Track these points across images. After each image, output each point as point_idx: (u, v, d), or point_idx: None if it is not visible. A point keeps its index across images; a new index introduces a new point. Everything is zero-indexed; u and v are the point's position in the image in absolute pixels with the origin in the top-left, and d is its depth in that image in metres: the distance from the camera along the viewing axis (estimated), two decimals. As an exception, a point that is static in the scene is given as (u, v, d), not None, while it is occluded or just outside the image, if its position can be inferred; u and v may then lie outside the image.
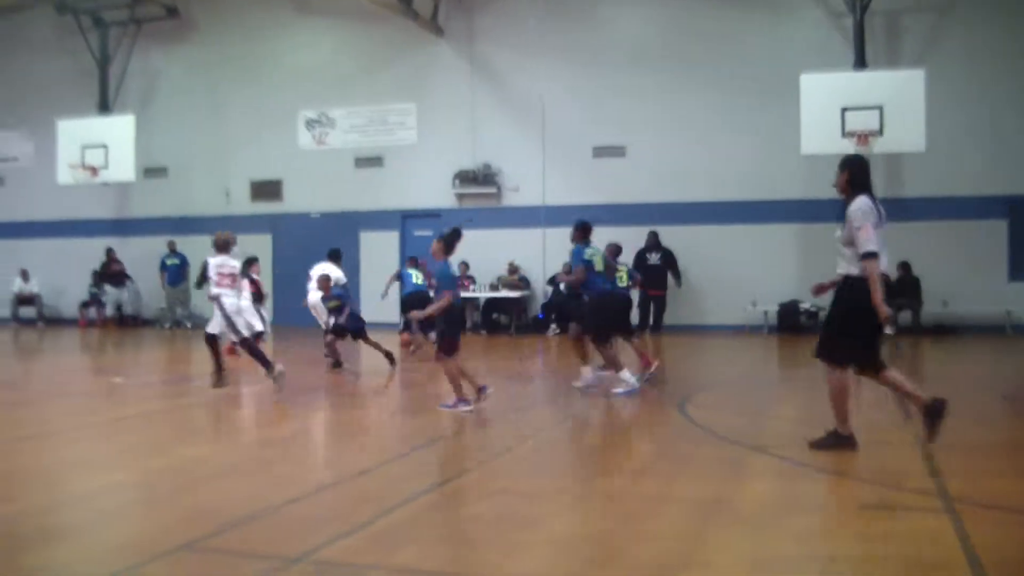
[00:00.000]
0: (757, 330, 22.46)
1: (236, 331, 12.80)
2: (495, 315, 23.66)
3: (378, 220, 25.02)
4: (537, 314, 23.54)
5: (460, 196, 24.55)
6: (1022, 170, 21.69)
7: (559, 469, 8.20)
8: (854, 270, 7.97)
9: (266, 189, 26.33)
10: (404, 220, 25.03)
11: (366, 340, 15.84)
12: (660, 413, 11.13)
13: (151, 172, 27.12)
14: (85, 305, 27.40)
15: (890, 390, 8.54)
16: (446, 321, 11.00)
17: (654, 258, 22.82)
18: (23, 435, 9.82)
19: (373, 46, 25.51)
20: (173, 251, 26.03)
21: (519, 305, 23.49)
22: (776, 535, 5.88)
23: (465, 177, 24.37)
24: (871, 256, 7.79)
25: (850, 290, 8.02)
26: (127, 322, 27.10)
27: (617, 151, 23.54)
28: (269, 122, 26.32)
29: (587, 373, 12.91)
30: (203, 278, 12.87)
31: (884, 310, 7.83)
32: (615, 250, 14.34)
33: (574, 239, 12.86)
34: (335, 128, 25.85)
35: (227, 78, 26.89)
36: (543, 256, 23.66)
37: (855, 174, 8.21)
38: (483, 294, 23.67)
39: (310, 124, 26.16)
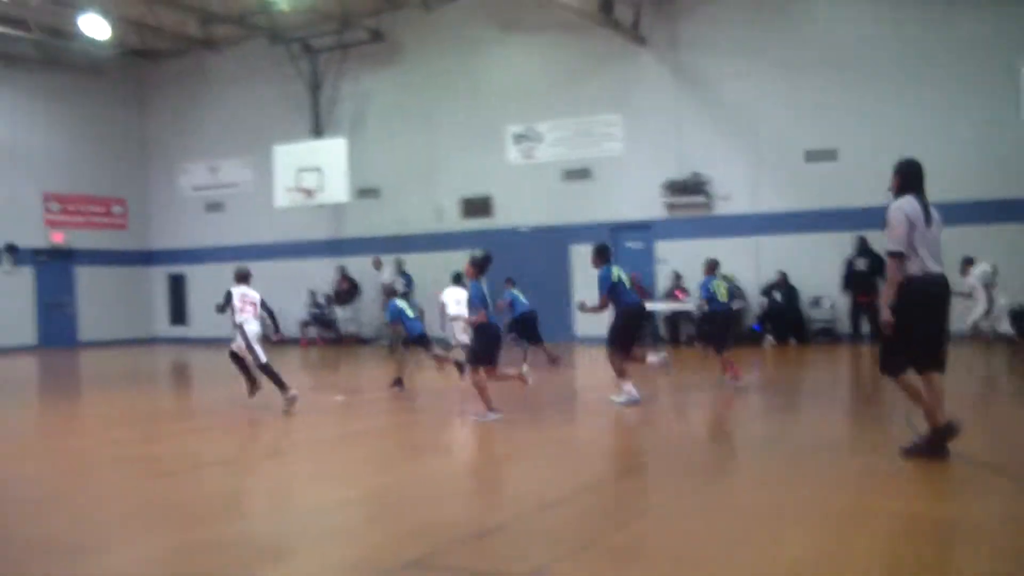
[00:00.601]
0: (976, 337, 21.48)
1: (256, 356, 13.72)
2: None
3: (588, 233, 25.01)
4: (753, 325, 23.14)
5: (669, 206, 24.39)
6: None
7: (784, 488, 7.77)
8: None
9: (476, 205, 26.74)
10: (613, 232, 25.00)
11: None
12: (886, 429, 10.69)
13: (364, 193, 28.03)
14: (305, 324, 28.36)
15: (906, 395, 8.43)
16: (479, 337, 11.89)
17: (861, 264, 22.16)
18: (255, 454, 10.50)
19: (576, 58, 25.67)
20: (400, 271, 26.58)
21: (736, 317, 23.05)
22: (987, 555, 5.67)
23: (674, 187, 24.20)
24: (892, 255, 8.08)
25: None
26: (345, 341, 27.89)
27: (828, 155, 22.98)
28: (477, 138, 26.79)
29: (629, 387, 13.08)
30: (226, 305, 13.74)
31: (885, 313, 8.12)
32: (712, 265, 15.62)
33: (594, 263, 13.50)
34: (542, 142, 26.07)
35: (434, 97, 27.52)
36: (756, 265, 23.31)
37: (905, 177, 8.39)
38: (698, 305, 23.34)
39: (518, 139, 26.46)
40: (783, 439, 10.39)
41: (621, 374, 13.09)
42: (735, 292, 22.86)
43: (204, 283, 30.62)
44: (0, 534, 6.82)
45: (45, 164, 30.68)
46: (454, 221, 27.08)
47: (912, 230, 8.05)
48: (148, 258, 32.92)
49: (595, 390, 15.78)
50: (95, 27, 26.61)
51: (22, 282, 29.46)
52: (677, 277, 23.53)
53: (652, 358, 13.60)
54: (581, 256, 25.02)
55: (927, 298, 8.12)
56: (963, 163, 21.61)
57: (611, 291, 13.20)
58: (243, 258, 28.13)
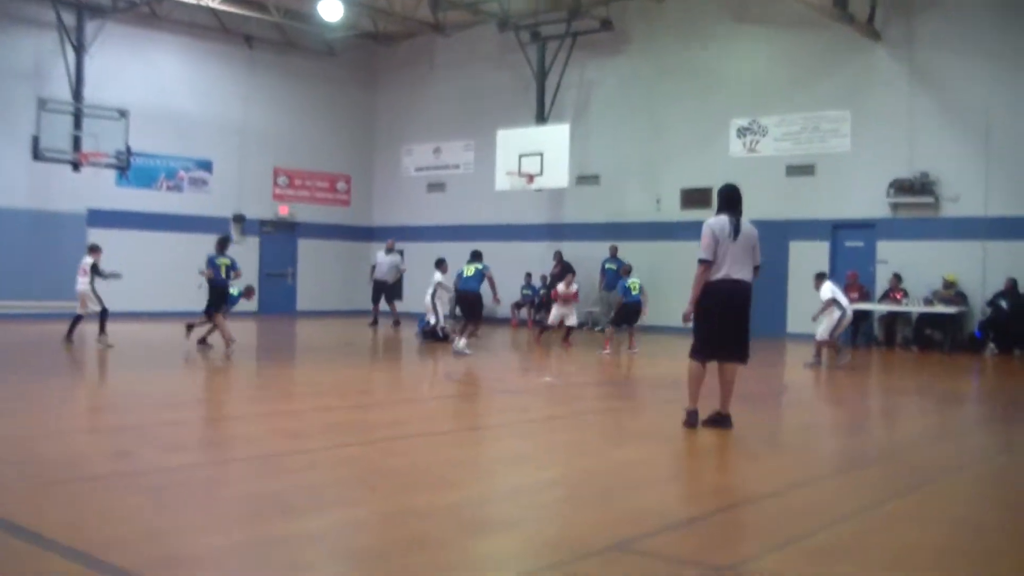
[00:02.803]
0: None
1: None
2: (928, 331, 23.23)
3: (808, 229, 25.20)
4: (974, 332, 22.87)
5: (895, 206, 24.32)
6: None
7: (998, 502, 7.79)
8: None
9: (696, 197, 27.13)
10: (835, 230, 25.05)
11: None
12: None
13: (584, 179, 28.89)
14: (518, 306, 29.27)
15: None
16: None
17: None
18: (463, 427, 11.20)
19: (807, 53, 25.87)
20: (614, 256, 27.20)
21: (954, 322, 22.90)
22: None
23: (900, 186, 24.11)
24: (700, 262, 10.04)
25: None
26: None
27: (1066, 159, 22.58)
28: (701, 130, 27.26)
29: None
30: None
31: (688, 308, 10.23)
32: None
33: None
34: (766, 136, 26.33)
35: (659, 87, 28.20)
36: (983, 270, 23.04)
37: (720, 199, 10.47)
38: (916, 308, 23.28)
39: (741, 132, 26.77)
40: (999, 451, 10.52)
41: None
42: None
43: (420, 260, 31.89)
44: (217, 490, 7.33)
45: (277, 140, 32.66)
46: (672, 211, 27.55)
47: (716, 243, 9.92)
48: (368, 234, 34.48)
49: (801, 387, 16.11)
50: (330, 10, 28.06)
51: (248, 251, 31.13)
52: (898, 278, 23.43)
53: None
54: (800, 252, 25.24)
55: (720, 299, 9.98)
56: None
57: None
58: (461, 238, 29.66)
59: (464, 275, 19.80)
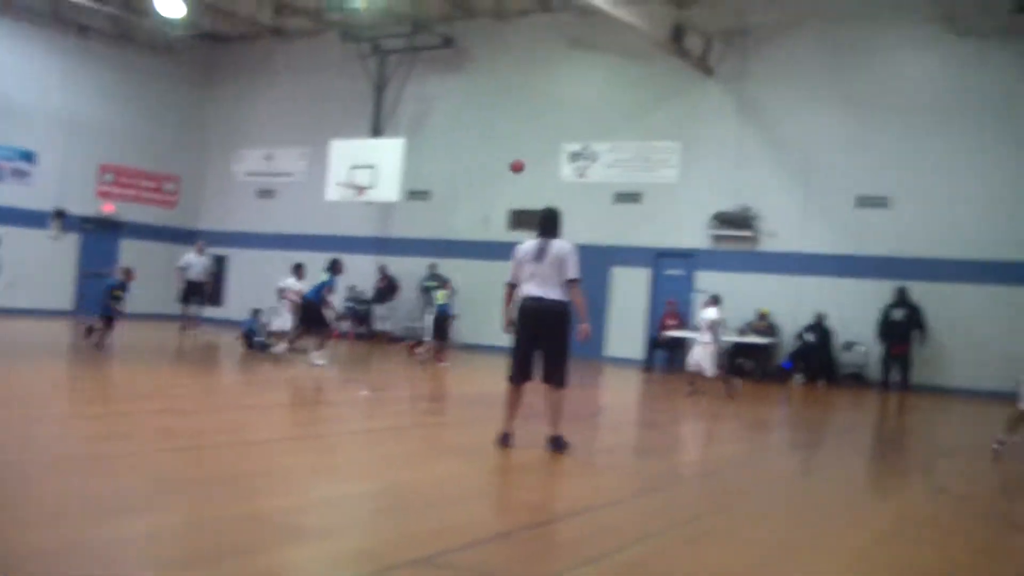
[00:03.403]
0: (1011, 397, 21.63)
1: None
2: (740, 360, 23.73)
3: (631, 256, 25.55)
4: (783, 362, 23.47)
5: (716, 238, 24.88)
6: None
7: (797, 523, 7.99)
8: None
9: (524, 218, 27.23)
10: (657, 258, 25.47)
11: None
12: (903, 476, 11.20)
13: (415, 195, 28.79)
14: (340, 318, 28.97)
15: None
16: None
17: (898, 314, 22.61)
18: (281, 436, 10.86)
19: (641, 83, 26.42)
20: (435, 274, 27.16)
21: (765, 352, 23.50)
22: None
23: (723, 219, 24.71)
24: (506, 284, 10.35)
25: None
26: (378, 338, 28.45)
27: (880, 202, 23.43)
28: (533, 153, 27.19)
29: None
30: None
31: (503, 326, 10.43)
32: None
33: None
34: (597, 162, 26.69)
35: (496, 107, 28.38)
36: (795, 304, 23.71)
37: (538, 222, 10.47)
38: (730, 338, 23.72)
39: (573, 157, 27.08)
40: (800, 475, 10.85)
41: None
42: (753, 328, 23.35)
43: (246, 267, 31.48)
44: (24, 491, 6.98)
45: (105, 135, 31.71)
46: (501, 231, 27.66)
47: (520, 266, 10.11)
48: (194, 237, 33.72)
49: (615, 410, 16.30)
50: (170, 6, 27.53)
51: (66, 248, 30.23)
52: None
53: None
54: (621, 278, 25.57)
55: (525, 319, 10.01)
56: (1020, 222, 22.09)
57: None
58: (288, 246, 29.24)
59: (314, 284, 19.71)
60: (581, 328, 9.99)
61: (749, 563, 6.34)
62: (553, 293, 9.88)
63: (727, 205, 24.85)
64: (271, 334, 21.65)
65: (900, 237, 23.31)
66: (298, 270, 21.78)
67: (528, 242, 10.25)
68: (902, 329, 22.63)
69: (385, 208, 29.24)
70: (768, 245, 24.62)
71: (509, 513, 7.71)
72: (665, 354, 24.74)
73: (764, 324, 23.78)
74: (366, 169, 27.42)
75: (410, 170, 27.64)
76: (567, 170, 27.29)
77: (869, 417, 18.77)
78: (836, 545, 7.08)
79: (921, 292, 22.67)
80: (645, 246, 25.79)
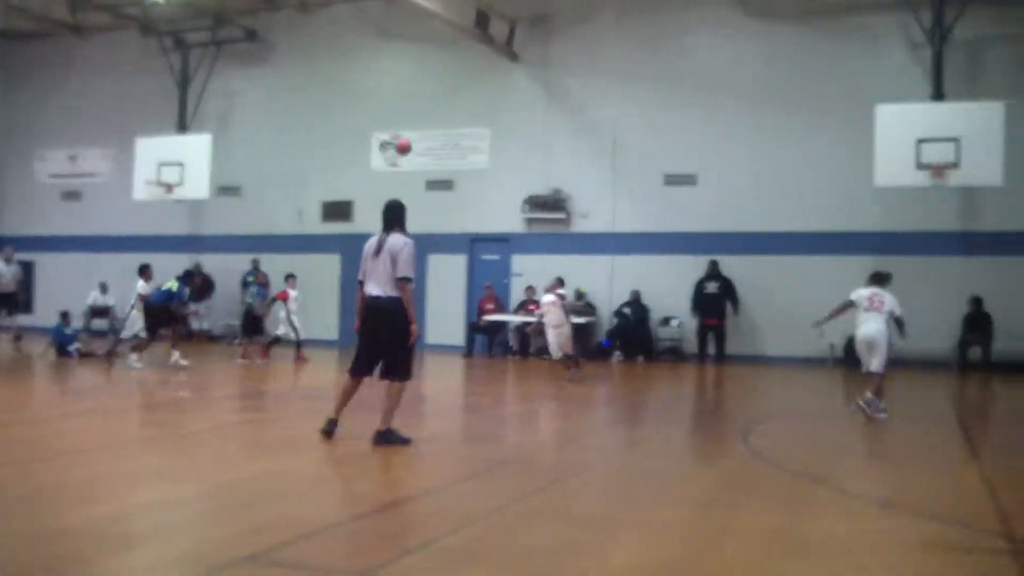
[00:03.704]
0: (822, 363, 22.56)
1: None
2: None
3: (447, 243, 25.55)
4: (602, 341, 23.83)
5: (529, 221, 25.14)
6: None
7: (622, 497, 8.17)
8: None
9: (337, 210, 27.11)
10: (473, 244, 25.55)
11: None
12: (722, 443, 11.50)
13: (225, 191, 28.20)
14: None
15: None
16: None
17: (712, 287, 23.24)
18: (96, 445, 10.29)
19: (449, 71, 26.43)
20: (257, 269, 26.70)
21: (583, 331, 23.76)
22: (840, 572, 5.98)
23: (535, 202, 24.93)
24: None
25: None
26: (195, 337, 27.86)
27: (688, 179, 23.98)
28: (343, 144, 27.25)
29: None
30: None
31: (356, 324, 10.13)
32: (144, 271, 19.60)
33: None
34: (408, 151, 26.48)
35: (303, 100, 28.01)
36: (611, 283, 24.08)
37: (382, 215, 10.20)
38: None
39: (384, 146, 26.92)
40: (623, 450, 10.96)
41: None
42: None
43: (54, 272, 30.43)
44: None
45: None
46: (314, 224, 27.41)
47: (364, 262, 9.95)
48: (-4, 244, 32.53)
49: (438, 397, 16.27)
50: (-40, 4, 26.40)
51: None
52: (531, 291, 24.12)
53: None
54: (439, 265, 25.60)
55: (365, 316, 9.93)
56: (819, 195, 22.88)
57: None
58: (98, 248, 28.43)
59: (161, 288, 18.94)
60: (410, 330, 9.74)
61: (574, 540, 6.41)
62: (384, 290, 9.71)
63: (539, 188, 25.09)
64: (119, 341, 20.95)
65: (708, 213, 23.93)
66: (144, 271, 20.45)
67: (372, 238, 10.06)
68: (716, 302, 23.23)
69: (196, 205, 28.54)
70: (581, 226, 24.96)
71: (336, 505, 7.63)
72: (484, 338, 24.87)
73: (581, 304, 24.05)
74: (174, 167, 26.75)
75: (219, 166, 27.08)
76: (378, 159, 27.12)
77: (688, 389, 19.23)
78: (658, 516, 7.20)
79: (731, 265, 23.31)
80: (460, 232, 25.83)
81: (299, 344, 21.28)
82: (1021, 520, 7.14)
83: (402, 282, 9.68)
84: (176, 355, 18.60)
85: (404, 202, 10.20)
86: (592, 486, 8.65)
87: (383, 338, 9.82)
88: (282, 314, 21.39)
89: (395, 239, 9.86)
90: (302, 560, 5.78)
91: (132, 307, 20.74)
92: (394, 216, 10.09)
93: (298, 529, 6.40)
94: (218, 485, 8.13)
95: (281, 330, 21.38)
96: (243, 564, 5.57)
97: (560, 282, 18.95)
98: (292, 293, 21.56)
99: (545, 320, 18.17)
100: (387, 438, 9.74)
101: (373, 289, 9.77)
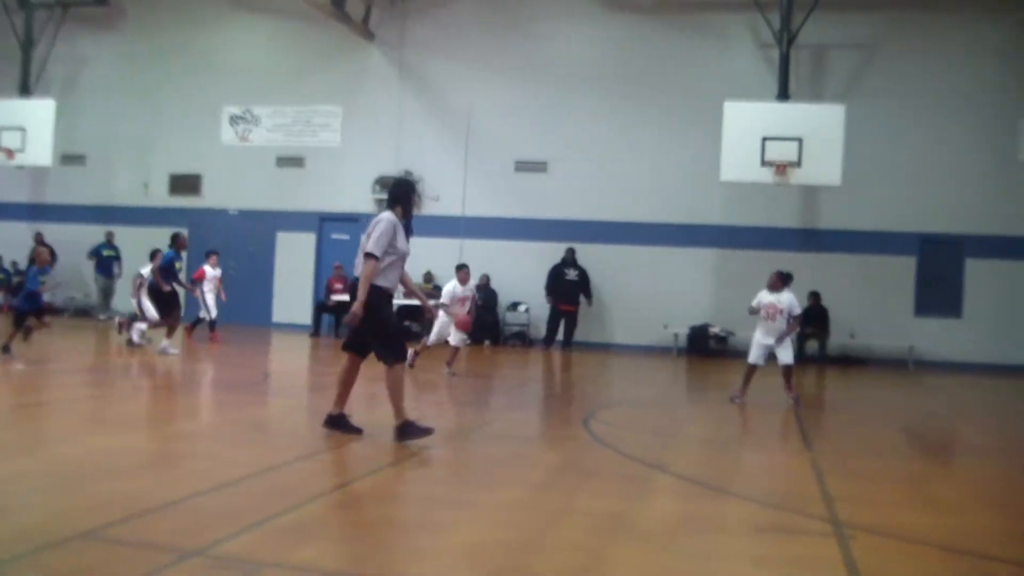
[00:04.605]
0: (667, 351, 22.95)
1: None
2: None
3: (296, 221, 25.19)
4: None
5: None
6: (933, 208, 22.61)
7: (462, 479, 8.27)
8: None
9: (185, 183, 26.50)
10: (322, 223, 25.25)
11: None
12: (565, 428, 11.46)
13: (69, 159, 27.17)
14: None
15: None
16: None
17: (571, 274, 23.33)
18: None
19: (303, 46, 25.89)
20: (110, 242, 25.94)
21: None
22: (672, 553, 6.06)
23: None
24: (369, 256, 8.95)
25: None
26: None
27: (539, 166, 24.03)
28: (192, 116, 26.54)
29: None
30: None
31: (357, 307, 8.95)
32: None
33: None
34: (259, 126, 26.09)
35: (153, 69, 27.09)
36: (459, 267, 24.03)
37: (391, 193, 9.64)
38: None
39: (234, 120, 26.38)
40: (467, 432, 10.80)
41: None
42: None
43: None
44: None
45: None
46: (161, 197, 26.72)
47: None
48: None
49: (285, 375, 16.04)
50: None
51: None
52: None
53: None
54: (287, 243, 25.28)
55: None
56: (668, 188, 23.26)
57: None
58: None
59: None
60: (353, 310, 9.02)
61: (412, 519, 6.52)
62: (358, 270, 9.09)
63: (390, 169, 24.73)
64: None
65: (559, 201, 24.05)
66: (154, 257, 18.65)
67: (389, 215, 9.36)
68: (574, 289, 23.32)
69: (38, 173, 27.48)
70: (432, 209, 24.72)
71: (175, 482, 7.28)
72: (332, 318, 24.62)
73: (429, 287, 23.98)
74: (15, 131, 25.71)
75: (64, 133, 25.95)
76: (228, 133, 26.45)
77: (535, 374, 19.25)
78: (496, 497, 7.24)
79: (581, 253, 23.47)
80: (309, 211, 25.39)
81: (212, 324, 20.52)
82: (845, 504, 7.39)
83: (365, 257, 8.97)
84: (166, 342, 17.18)
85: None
86: (432, 467, 8.64)
87: (364, 320, 9.07)
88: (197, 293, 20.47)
89: (380, 216, 9.28)
90: (140, 537, 5.63)
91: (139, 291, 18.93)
92: (391, 195, 9.61)
93: (134, 506, 6.22)
94: (53, 460, 7.87)
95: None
96: (77, 540, 5.41)
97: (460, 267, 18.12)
98: (209, 272, 20.69)
99: (452, 311, 17.34)
100: (406, 432, 9.19)
101: (356, 269, 9.20)
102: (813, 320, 22.42)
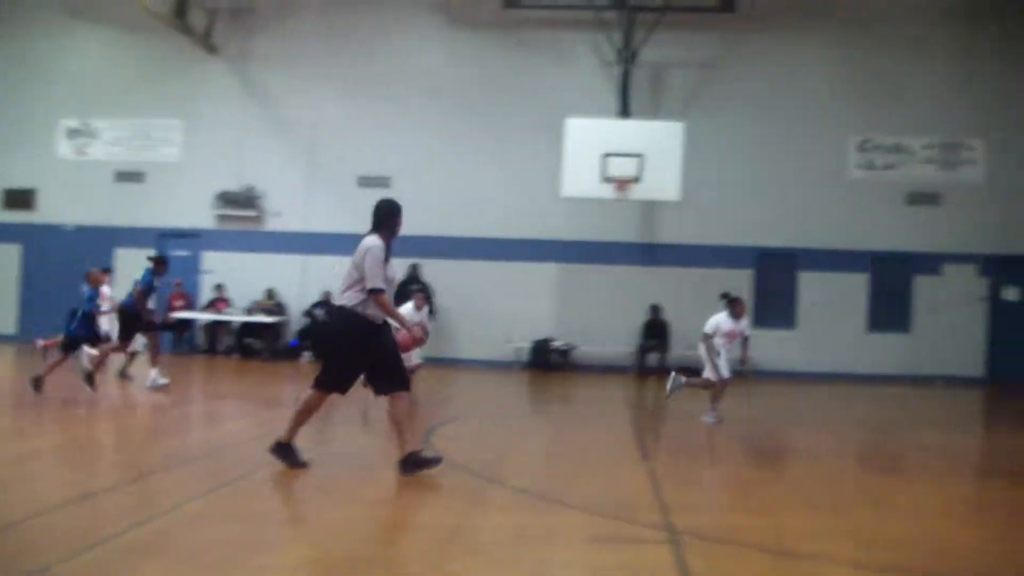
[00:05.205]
0: (510, 366, 23.02)
1: None
2: (248, 340, 23.60)
3: (135, 237, 24.54)
4: (291, 341, 23.54)
5: (221, 218, 24.41)
6: (770, 223, 23.18)
7: (304, 495, 8.27)
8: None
9: (19, 198, 25.59)
10: (160, 239, 24.67)
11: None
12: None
13: None
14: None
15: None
16: None
17: (416, 289, 23.15)
18: None
19: (143, 58, 25.18)
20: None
21: (273, 331, 23.47)
22: (509, 565, 6.18)
23: (227, 199, 24.27)
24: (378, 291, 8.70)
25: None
26: None
27: (383, 181, 23.82)
28: (28, 128, 25.62)
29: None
30: None
31: None
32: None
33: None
34: (97, 139, 25.37)
35: (-16, 79, 26.13)
36: (302, 283, 23.75)
37: (374, 215, 9.52)
38: (238, 318, 23.60)
39: (71, 134, 25.62)
40: (308, 449, 10.51)
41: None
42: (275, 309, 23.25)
43: None
44: None
45: None
46: (-5, 211, 25.88)
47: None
48: None
49: (128, 393, 15.65)
50: None
51: None
52: (221, 289, 23.61)
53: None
54: (126, 259, 24.60)
55: None
56: (512, 203, 23.40)
57: None
58: None
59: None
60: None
61: (254, 536, 6.54)
62: (340, 297, 8.92)
63: (231, 185, 24.29)
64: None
65: (404, 216, 23.88)
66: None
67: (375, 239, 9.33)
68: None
69: None
70: (274, 224, 24.39)
71: (15, 504, 7.18)
72: (173, 336, 24.10)
73: (271, 303, 23.71)
74: None
75: None
76: (65, 147, 25.62)
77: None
78: (337, 513, 7.34)
79: (427, 269, 23.35)
80: (149, 226, 24.60)
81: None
82: (679, 513, 7.64)
83: (374, 295, 8.76)
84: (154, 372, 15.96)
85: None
86: (274, 484, 8.60)
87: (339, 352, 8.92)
88: None
89: (363, 243, 9.17)
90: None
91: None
92: (375, 218, 9.49)
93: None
94: None
95: None
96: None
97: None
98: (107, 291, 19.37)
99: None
100: (413, 464, 8.84)
101: (338, 298, 9.03)
102: (653, 332, 22.76)
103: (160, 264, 15.89)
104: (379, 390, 8.91)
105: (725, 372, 14.28)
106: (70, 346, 14.65)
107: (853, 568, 6.33)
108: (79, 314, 14.80)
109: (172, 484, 8.26)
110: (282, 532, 6.75)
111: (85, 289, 15.18)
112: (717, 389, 14.31)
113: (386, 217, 9.42)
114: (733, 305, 14.34)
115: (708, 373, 14.21)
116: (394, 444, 9.00)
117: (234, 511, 7.31)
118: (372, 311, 8.72)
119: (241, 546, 6.25)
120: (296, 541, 6.49)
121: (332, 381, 8.91)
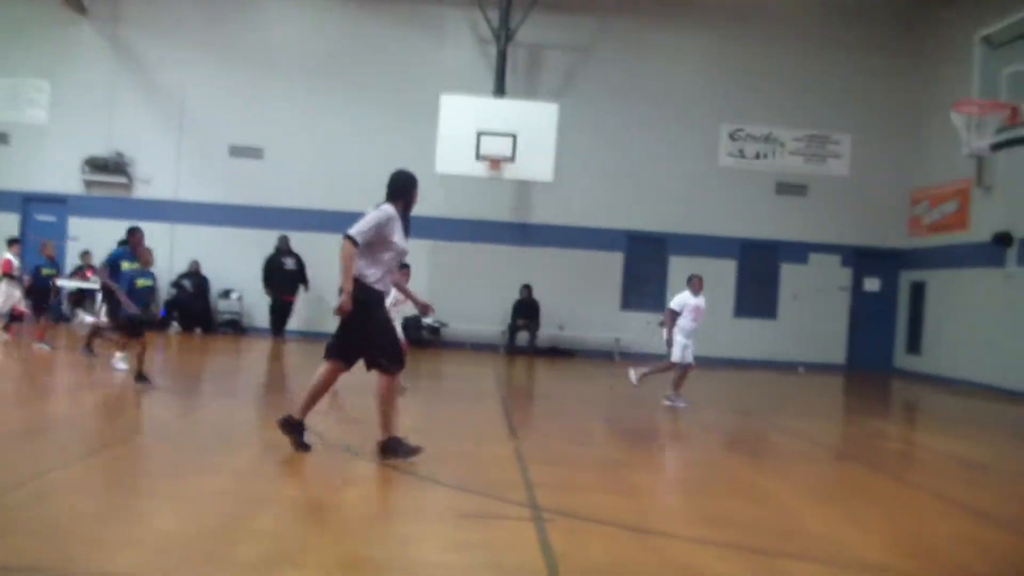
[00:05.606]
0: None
1: None
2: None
3: (-2, 201, 23.89)
4: (159, 311, 23.12)
5: (89, 183, 23.85)
6: (639, 207, 23.45)
7: (167, 467, 8.01)
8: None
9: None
10: (26, 203, 24.04)
11: None
12: (274, 416, 11.19)
13: None
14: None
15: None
16: None
17: (289, 263, 22.97)
18: None
19: (9, 15, 24.27)
20: None
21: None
22: (371, 540, 6.15)
23: (96, 164, 23.71)
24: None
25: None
26: None
27: (255, 152, 23.56)
28: None
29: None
30: None
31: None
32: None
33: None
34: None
35: None
36: (171, 252, 23.30)
37: (389, 185, 9.02)
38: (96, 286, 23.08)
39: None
40: (174, 420, 10.61)
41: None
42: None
43: None
44: None
45: None
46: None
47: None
48: None
49: None
50: None
51: None
52: (88, 256, 23.08)
53: None
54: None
55: None
56: (384, 177, 23.01)
57: None
58: None
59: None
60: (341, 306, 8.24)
61: (116, 507, 6.42)
62: (359, 268, 8.45)
63: (100, 150, 23.72)
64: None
65: (275, 188, 23.65)
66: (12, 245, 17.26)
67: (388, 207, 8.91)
68: (293, 278, 23.01)
69: None
70: (143, 192, 23.91)
71: None
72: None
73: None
74: None
75: None
76: (-76, 106, 24.86)
77: (249, 363, 19.03)
78: (200, 485, 7.17)
79: (299, 242, 23.17)
80: (13, 190, 23.87)
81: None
82: (544, 489, 7.71)
83: (345, 239, 8.32)
84: (118, 356, 14.57)
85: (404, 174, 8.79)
86: (132, 458, 8.43)
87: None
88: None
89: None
90: None
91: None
92: (391, 188, 9.05)
93: None
94: None
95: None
96: None
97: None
98: (15, 262, 18.43)
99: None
100: (393, 450, 8.41)
101: None
102: (524, 312, 22.87)
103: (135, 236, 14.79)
104: (371, 365, 8.59)
105: (689, 357, 14.40)
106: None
107: (696, 543, 6.45)
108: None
109: (31, 453, 8.00)
110: (140, 503, 6.56)
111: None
112: (677, 373, 14.40)
113: (401, 187, 8.98)
114: (691, 282, 14.51)
115: (675, 356, 14.29)
116: (380, 425, 8.59)
117: (89, 484, 7.15)
118: (379, 283, 8.52)
119: (104, 518, 6.14)
120: (154, 513, 6.29)
121: (340, 349, 8.61)
